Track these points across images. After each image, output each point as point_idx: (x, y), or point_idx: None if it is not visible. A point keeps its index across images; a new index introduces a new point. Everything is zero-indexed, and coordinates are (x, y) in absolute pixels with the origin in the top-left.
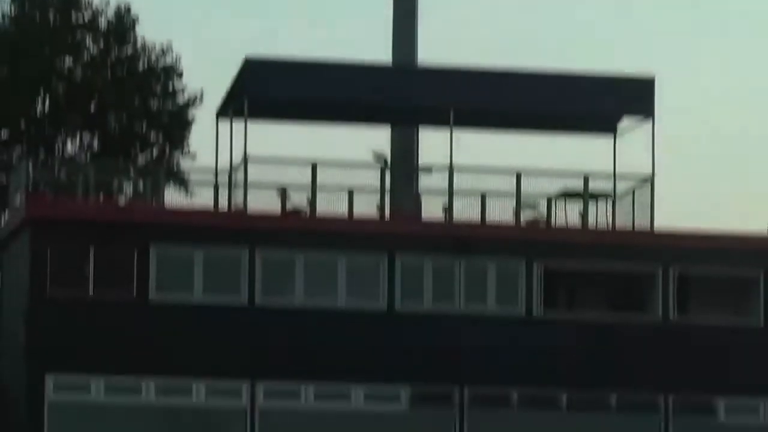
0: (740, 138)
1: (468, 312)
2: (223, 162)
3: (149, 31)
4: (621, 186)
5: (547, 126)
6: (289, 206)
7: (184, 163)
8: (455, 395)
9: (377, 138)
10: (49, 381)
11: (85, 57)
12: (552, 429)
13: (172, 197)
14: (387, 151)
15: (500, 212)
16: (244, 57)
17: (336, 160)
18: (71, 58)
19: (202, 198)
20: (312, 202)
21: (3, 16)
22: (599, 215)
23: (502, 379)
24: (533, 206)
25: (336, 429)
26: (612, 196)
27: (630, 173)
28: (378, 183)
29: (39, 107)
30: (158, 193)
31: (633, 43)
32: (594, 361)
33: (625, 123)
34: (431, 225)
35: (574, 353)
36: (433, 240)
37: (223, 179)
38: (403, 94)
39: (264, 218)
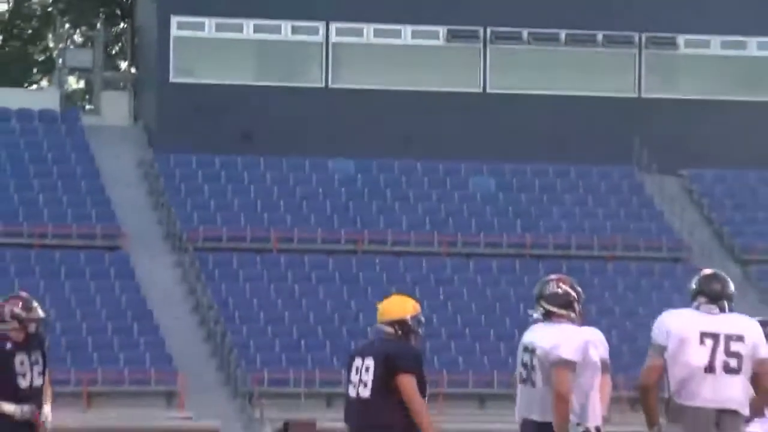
0: None
1: None
2: None
3: None
4: None
5: None
6: None
7: None
8: (480, 33)
9: None
10: (174, 21)
11: None
12: (552, 59)
13: None
14: None
15: None
16: None
17: None
18: None
19: None
20: None
21: None
22: None
23: (516, 20)
24: None
25: (389, 59)
26: None
27: None
28: None
29: None
30: None
31: None
32: (586, 4)
33: None
34: None
35: None
36: None
37: None
38: None
39: None
